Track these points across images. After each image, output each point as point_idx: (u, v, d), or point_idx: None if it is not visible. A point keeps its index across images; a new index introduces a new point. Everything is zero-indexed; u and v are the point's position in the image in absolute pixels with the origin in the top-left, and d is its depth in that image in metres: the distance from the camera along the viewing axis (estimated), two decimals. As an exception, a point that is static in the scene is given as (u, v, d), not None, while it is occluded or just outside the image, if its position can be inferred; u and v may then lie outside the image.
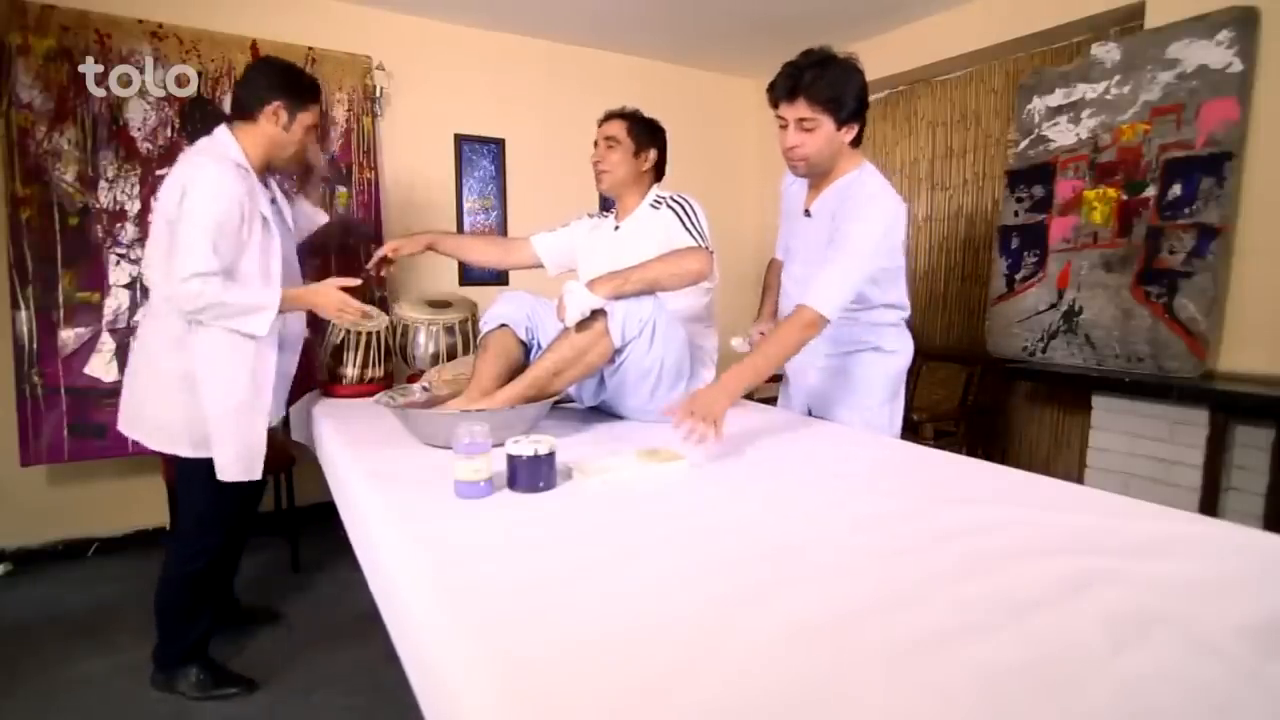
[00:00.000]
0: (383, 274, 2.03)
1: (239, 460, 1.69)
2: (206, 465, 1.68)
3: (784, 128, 1.51)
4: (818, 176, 1.59)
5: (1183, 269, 2.26)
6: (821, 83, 1.43)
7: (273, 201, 1.76)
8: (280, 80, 1.69)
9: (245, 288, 1.61)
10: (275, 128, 1.68)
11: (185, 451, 1.69)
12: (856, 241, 1.44)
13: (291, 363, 1.87)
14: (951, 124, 3.32)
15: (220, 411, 1.65)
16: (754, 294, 1.83)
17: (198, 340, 1.62)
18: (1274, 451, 2.07)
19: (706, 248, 1.65)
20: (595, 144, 1.84)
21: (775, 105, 1.51)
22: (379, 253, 1.98)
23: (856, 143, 1.55)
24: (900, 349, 1.68)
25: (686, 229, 1.69)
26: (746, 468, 1.27)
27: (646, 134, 1.82)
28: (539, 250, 2.02)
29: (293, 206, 1.89)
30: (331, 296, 1.70)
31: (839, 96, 1.45)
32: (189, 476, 1.74)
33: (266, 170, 1.75)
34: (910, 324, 1.71)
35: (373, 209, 3.03)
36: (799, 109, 1.46)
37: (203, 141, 1.69)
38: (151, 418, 1.70)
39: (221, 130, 1.70)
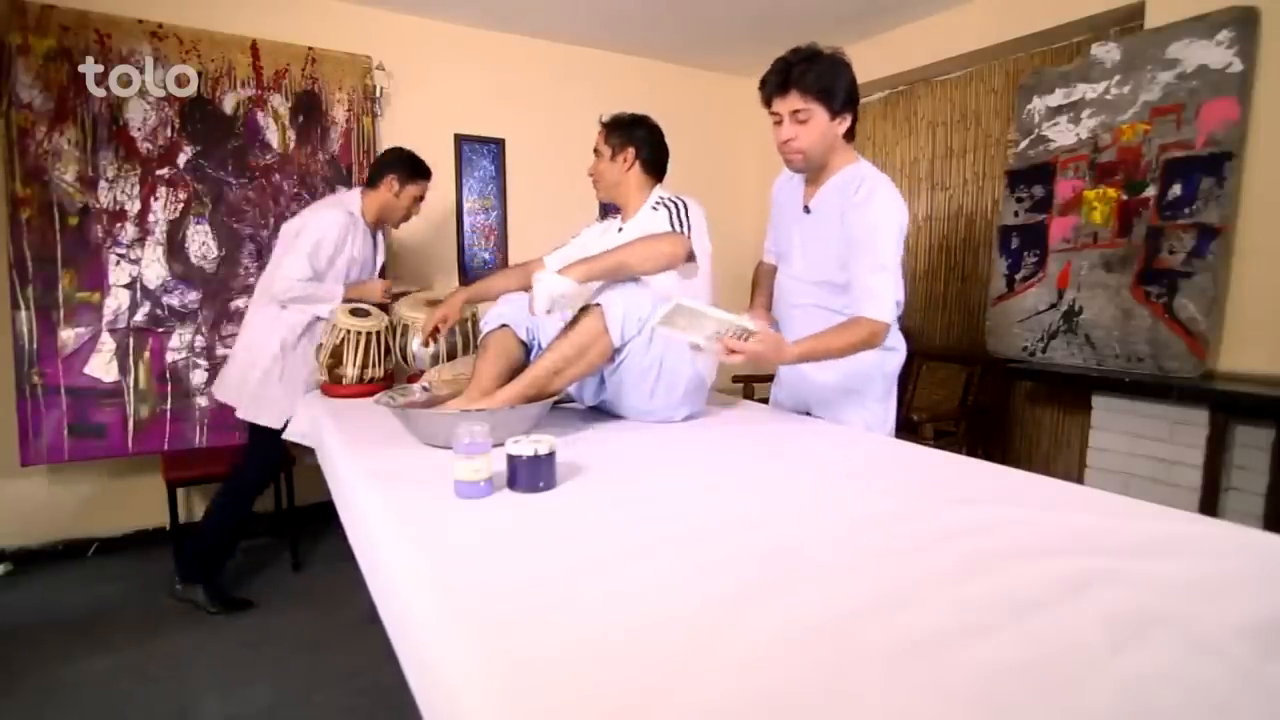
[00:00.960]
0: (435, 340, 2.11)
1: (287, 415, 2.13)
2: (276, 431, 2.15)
3: (778, 123, 1.51)
4: (814, 171, 1.59)
5: (1183, 269, 2.26)
6: (811, 74, 1.44)
7: (374, 247, 2.40)
8: (400, 161, 2.30)
9: (320, 286, 2.19)
10: (389, 194, 2.28)
11: (265, 419, 2.20)
12: (882, 239, 1.47)
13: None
14: (951, 124, 3.32)
15: (304, 374, 2.19)
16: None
17: (287, 320, 2.20)
18: (1274, 451, 2.07)
19: (684, 234, 1.65)
20: None
21: (768, 102, 1.51)
22: (428, 326, 1.97)
23: (850, 137, 1.55)
24: (897, 345, 1.67)
25: (672, 224, 1.69)
26: (746, 467, 1.27)
27: (620, 135, 1.82)
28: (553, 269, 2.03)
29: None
30: (375, 283, 2.30)
31: (830, 87, 1.46)
32: (264, 434, 2.22)
33: (379, 224, 2.36)
34: (902, 319, 1.71)
35: (373, 209, 3.03)
36: (792, 101, 1.47)
37: (332, 197, 2.35)
38: (251, 388, 2.20)
39: (354, 190, 2.33)
